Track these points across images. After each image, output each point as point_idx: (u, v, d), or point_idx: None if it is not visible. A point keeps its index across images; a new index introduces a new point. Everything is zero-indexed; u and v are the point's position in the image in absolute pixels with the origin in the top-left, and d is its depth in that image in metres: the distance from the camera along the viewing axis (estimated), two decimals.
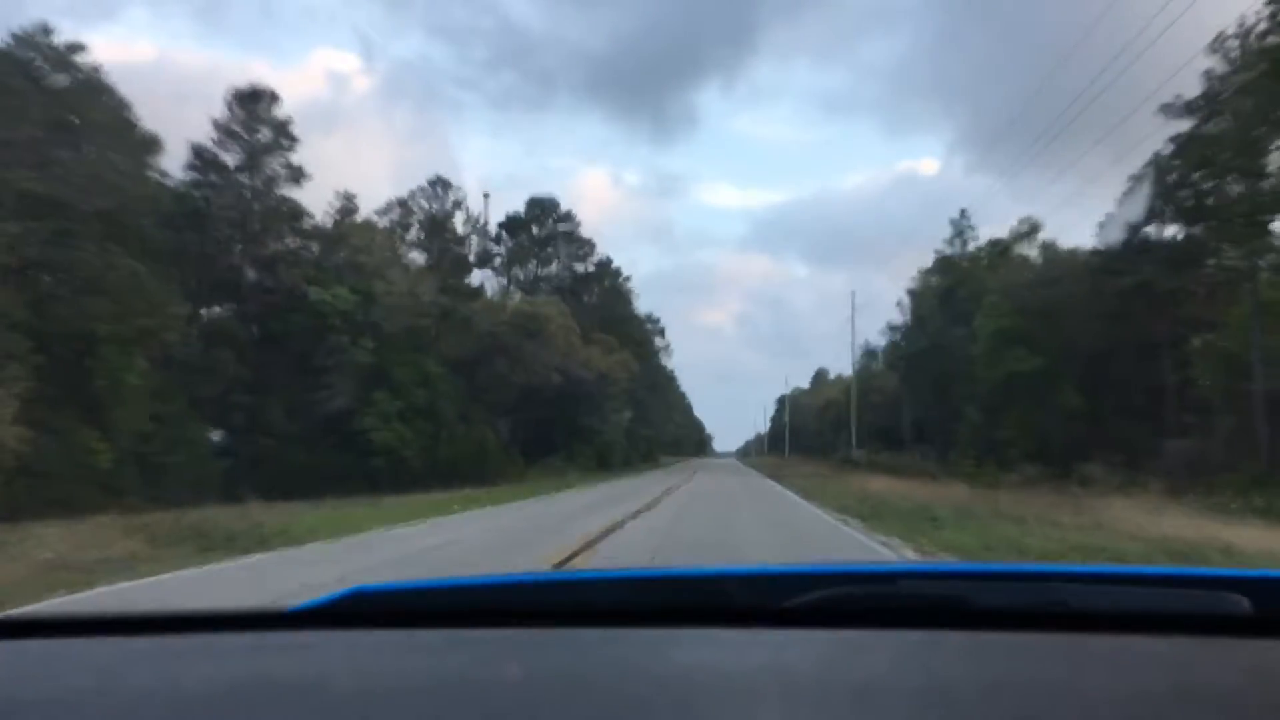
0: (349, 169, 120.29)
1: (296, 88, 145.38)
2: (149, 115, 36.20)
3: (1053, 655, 1.19)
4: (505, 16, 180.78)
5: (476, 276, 52.73)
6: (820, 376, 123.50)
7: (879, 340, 73.72)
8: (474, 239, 47.19)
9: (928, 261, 60.82)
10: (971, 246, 55.82)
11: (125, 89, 34.61)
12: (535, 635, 1.29)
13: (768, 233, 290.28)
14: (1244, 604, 1.26)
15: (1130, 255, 38.58)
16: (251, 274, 38.73)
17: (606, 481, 41.72)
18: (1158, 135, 34.45)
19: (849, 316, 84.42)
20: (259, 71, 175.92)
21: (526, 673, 1.13)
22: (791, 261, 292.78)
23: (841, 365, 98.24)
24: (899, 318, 66.02)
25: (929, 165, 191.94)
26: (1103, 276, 38.76)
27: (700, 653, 1.22)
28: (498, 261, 56.39)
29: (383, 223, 46.89)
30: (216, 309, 39.07)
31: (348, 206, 42.52)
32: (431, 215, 45.10)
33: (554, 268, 60.24)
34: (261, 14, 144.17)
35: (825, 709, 1.02)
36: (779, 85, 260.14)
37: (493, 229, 57.38)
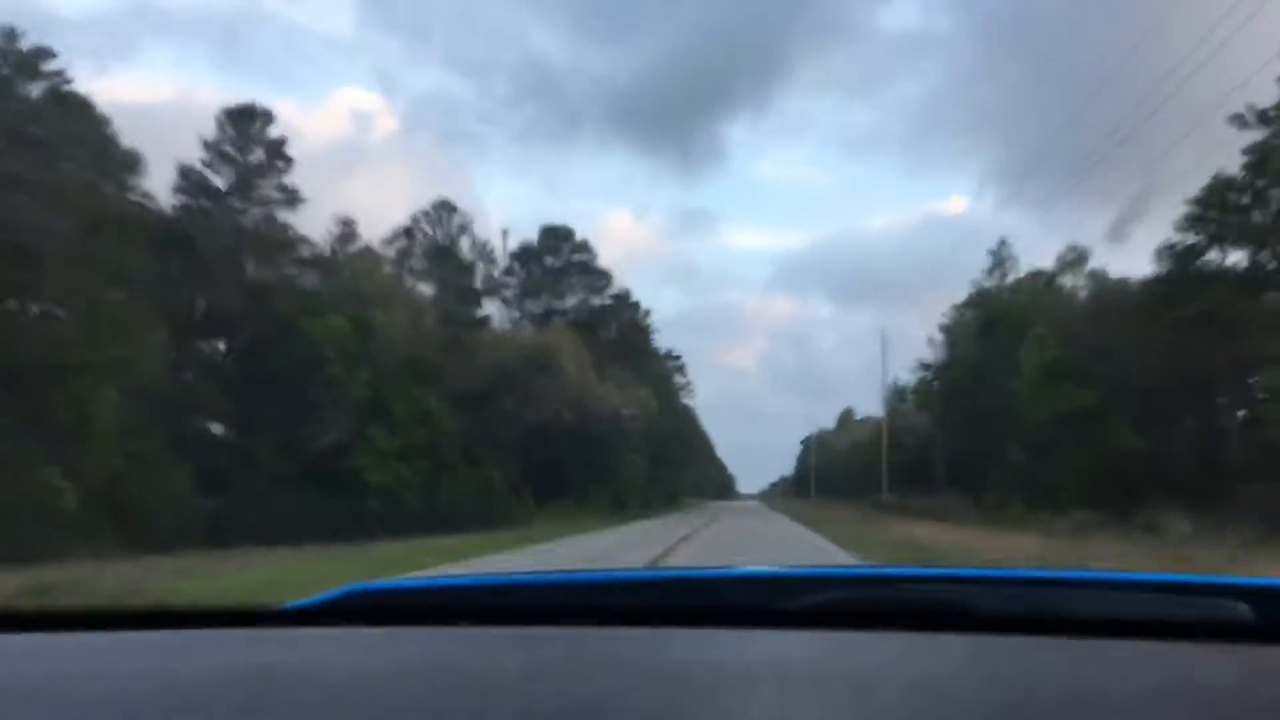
0: (370, 207, 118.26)
1: (316, 127, 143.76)
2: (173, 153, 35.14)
3: (1053, 659, 1.16)
4: (527, 49, 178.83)
5: (487, 309, 50.22)
6: (846, 418, 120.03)
7: (907, 379, 70.66)
8: (481, 265, 44.50)
9: (957, 299, 58.16)
10: (1011, 278, 52.89)
11: (146, 130, 32.90)
12: (532, 633, 1.28)
13: (792, 274, 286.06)
14: (1247, 612, 1.25)
15: (1189, 283, 35.72)
16: (241, 302, 36.24)
17: (622, 525, 38.80)
18: (1202, 165, 31.93)
19: (876, 356, 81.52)
20: (280, 110, 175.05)
21: (522, 669, 1.11)
22: (816, 303, 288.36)
23: (868, 407, 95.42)
24: (930, 355, 63.11)
25: (957, 204, 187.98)
26: (1159, 307, 35.87)
27: (698, 651, 1.21)
28: (510, 294, 53.81)
29: (390, 252, 44.61)
30: (202, 339, 36.59)
31: (347, 232, 40.05)
32: (435, 241, 42.49)
33: (569, 301, 57.50)
34: (281, 50, 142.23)
35: (822, 705, 1.01)
36: (805, 122, 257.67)
37: (504, 261, 55.03)
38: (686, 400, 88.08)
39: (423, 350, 37.13)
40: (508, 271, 55.37)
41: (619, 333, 59.94)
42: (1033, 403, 38.35)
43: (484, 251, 43.74)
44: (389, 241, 45.17)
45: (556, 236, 57.11)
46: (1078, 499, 35.63)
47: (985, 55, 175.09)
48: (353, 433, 34.30)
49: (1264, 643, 1.22)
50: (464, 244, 43.80)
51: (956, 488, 57.63)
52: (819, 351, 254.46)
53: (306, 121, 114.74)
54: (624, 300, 62.06)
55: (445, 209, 43.21)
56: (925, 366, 65.49)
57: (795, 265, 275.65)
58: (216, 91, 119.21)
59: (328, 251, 39.26)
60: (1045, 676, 1.11)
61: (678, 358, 79.54)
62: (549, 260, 56.46)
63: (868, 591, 1.39)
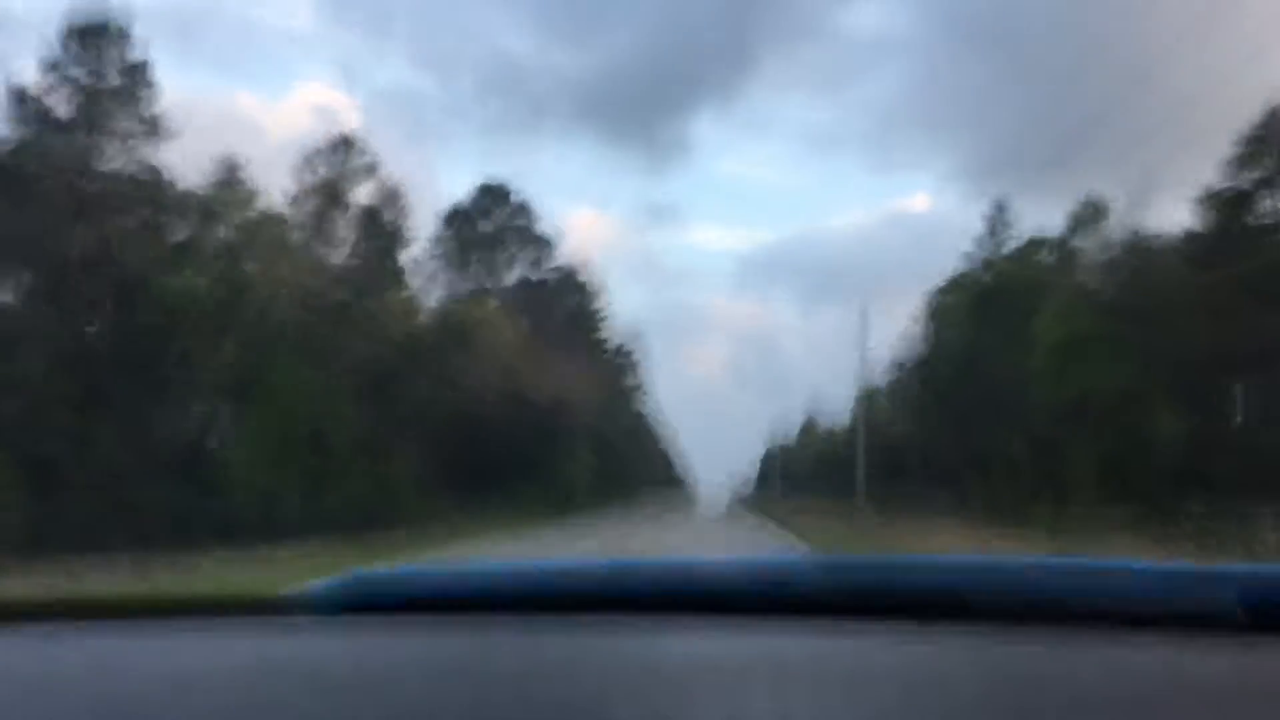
0: None
1: (278, 122, 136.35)
2: None
3: (1045, 647, 1.17)
4: (491, 42, 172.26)
5: (412, 286, 42.99)
6: (813, 415, 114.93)
7: (879, 372, 64.52)
8: (388, 216, 36.79)
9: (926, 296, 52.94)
10: (1009, 247, 46.69)
11: None
12: (531, 621, 1.27)
13: (758, 272, 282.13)
14: (1235, 600, 1.25)
15: (1240, 236, 29.84)
16: (86, 256, 29.22)
17: (558, 530, 32.14)
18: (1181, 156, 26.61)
19: (841, 356, 76.66)
20: (241, 104, 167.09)
21: (523, 657, 1.13)
22: (781, 302, 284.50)
23: (834, 407, 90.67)
24: (907, 345, 57.08)
25: (922, 201, 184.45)
26: (1201, 265, 29.90)
27: (694, 640, 1.21)
28: (437, 262, 46.66)
29: (299, 215, 37.46)
30: (34, 300, 29.50)
31: (229, 177, 33.04)
32: (327, 183, 35.12)
33: (510, 273, 50.14)
34: (241, 44, 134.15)
35: (817, 693, 1.01)
36: (771, 118, 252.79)
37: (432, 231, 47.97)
38: (644, 392, 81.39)
39: (311, 316, 30.14)
40: (437, 240, 48.45)
41: (564, 312, 52.75)
42: (1051, 382, 32.10)
43: (392, 199, 36.61)
44: (297, 202, 37.81)
45: (492, 196, 49.76)
46: (1107, 495, 29.50)
47: (951, 51, 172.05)
48: (215, 415, 27.39)
49: (1254, 632, 1.20)
50: (367, 190, 36.54)
51: (937, 485, 51.91)
52: (784, 352, 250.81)
53: (268, 117, 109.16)
54: (571, 276, 54.85)
55: (343, 146, 35.90)
56: (900, 367, 59.75)
57: (761, 263, 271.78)
58: (173, 86, 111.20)
59: (204, 200, 32.19)
60: (1040, 665, 1.10)
61: (633, 346, 72.30)
62: (483, 225, 49.32)
63: (866, 581, 1.39)
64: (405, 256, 38.29)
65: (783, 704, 0.97)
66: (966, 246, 48.44)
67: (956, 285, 52.02)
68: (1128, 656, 1.14)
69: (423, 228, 48.06)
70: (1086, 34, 79.99)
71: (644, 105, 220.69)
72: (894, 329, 58.06)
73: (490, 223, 49.67)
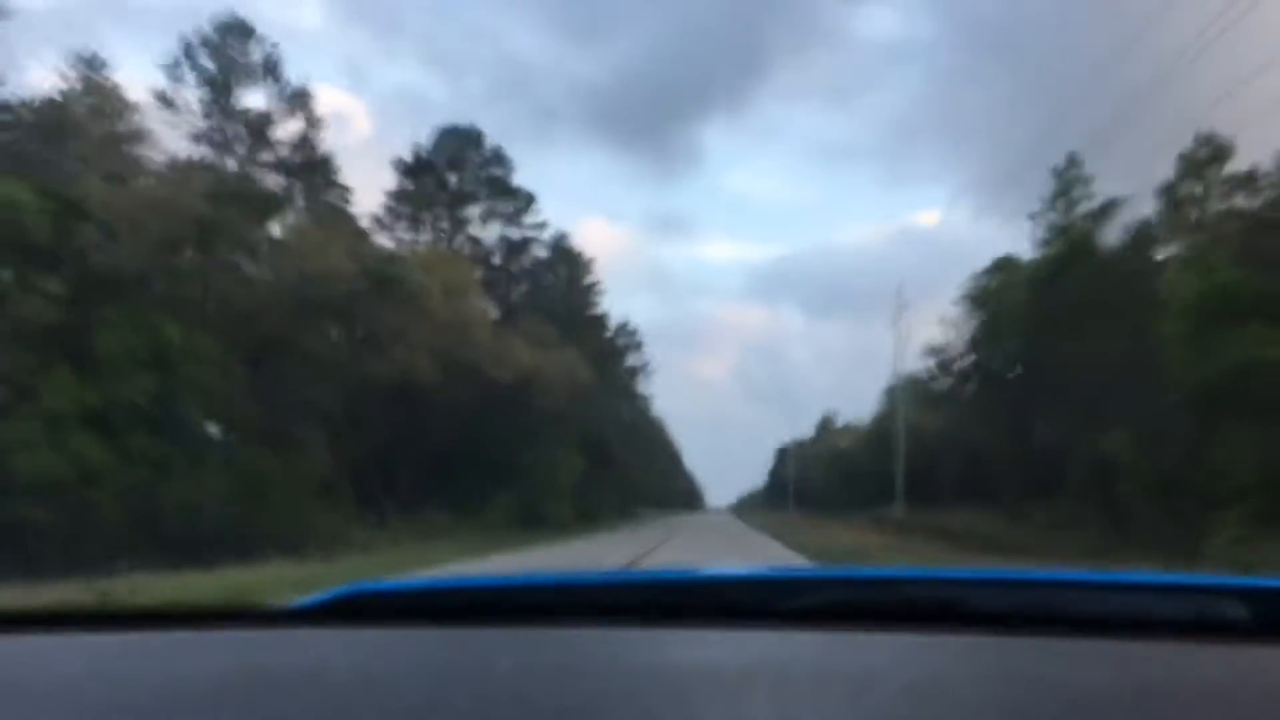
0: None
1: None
2: None
3: (1051, 658, 1.17)
4: (502, 48, 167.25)
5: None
6: (827, 424, 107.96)
7: (898, 384, 56.47)
8: (294, 126, 28.15)
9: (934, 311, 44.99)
10: (1083, 208, 38.27)
11: None
12: (529, 633, 1.29)
13: (767, 285, 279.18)
14: (1242, 611, 1.27)
15: None
16: None
17: (511, 553, 23.73)
18: None
19: (852, 369, 69.09)
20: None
21: (519, 667, 1.12)
22: (790, 314, 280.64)
23: (847, 418, 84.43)
24: (948, 337, 48.91)
25: (933, 216, 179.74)
26: None
27: (696, 650, 1.20)
28: (395, 221, 38.45)
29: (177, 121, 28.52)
30: None
31: (90, 79, 24.86)
32: (211, 81, 26.22)
33: (490, 232, 41.53)
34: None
35: (820, 705, 1.01)
36: (782, 132, 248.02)
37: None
38: (644, 390, 72.53)
39: (170, 250, 21.69)
40: (397, 196, 40.13)
41: (549, 280, 44.00)
42: (1187, 356, 23.62)
43: (298, 103, 27.82)
44: (173, 104, 28.50)
45: (461, 140, 41.02)
46: (1256, 510, 21.09)
47: (965, 62, 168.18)
48: (15, 385, 19.09)
49: (1259, 642, 1.21)
50: (266, 94, 27.86)
51: (980, 499, 43.95)
52: (793, 364, 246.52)
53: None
54: (559, 241, 45.90)
55: (233, 33, 26.91)
56: (936, 352, 51.43)
57: (770, 275, 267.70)
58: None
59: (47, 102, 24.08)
60: (1043, 676, 1.10)
61: (633, 332, 62.94)
62: (450, 177, 40.79)
63: (866, 592, 1.40)
64: (319, 181, 29.62)
65: (784, 709, 0.95)
66: (979, 260, 40.80)
67: (1009, 264, 44.07)
68: (1135, 665, 1.12)
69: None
70: (1100, 44, 76.12)
71: (655, 115, 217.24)
72: (907, 342, 50.32)
73: (458, 174, 41.05)
